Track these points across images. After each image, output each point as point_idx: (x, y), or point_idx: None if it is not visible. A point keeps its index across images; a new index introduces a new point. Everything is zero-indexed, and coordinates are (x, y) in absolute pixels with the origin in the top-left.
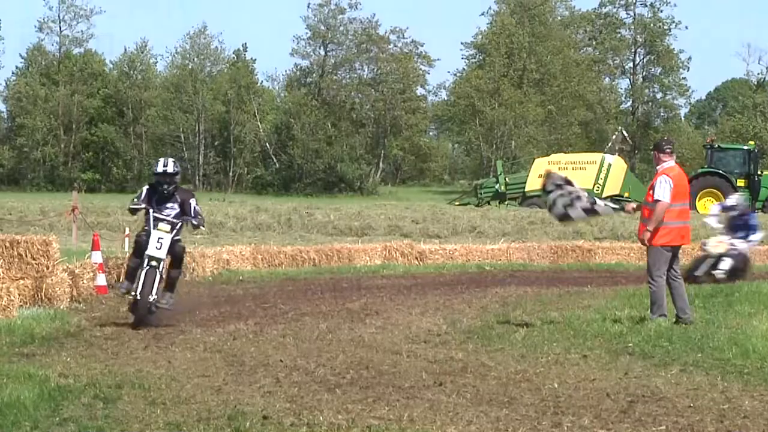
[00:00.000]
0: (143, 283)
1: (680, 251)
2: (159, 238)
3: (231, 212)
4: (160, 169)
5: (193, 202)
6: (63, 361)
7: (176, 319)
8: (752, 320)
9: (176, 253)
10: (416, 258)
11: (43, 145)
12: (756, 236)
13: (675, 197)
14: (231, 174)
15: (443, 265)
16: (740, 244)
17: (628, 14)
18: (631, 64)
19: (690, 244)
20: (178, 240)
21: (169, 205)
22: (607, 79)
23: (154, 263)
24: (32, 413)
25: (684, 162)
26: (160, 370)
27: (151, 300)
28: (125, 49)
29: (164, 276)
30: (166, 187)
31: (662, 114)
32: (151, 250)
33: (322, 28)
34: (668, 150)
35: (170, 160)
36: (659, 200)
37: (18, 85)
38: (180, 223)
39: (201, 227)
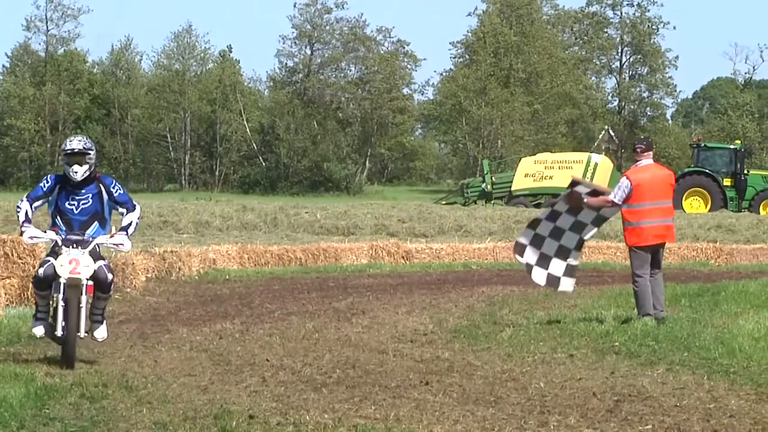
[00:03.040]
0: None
1: (663, 250)
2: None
3: (217, 211)
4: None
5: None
6: (49, 361)
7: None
8: (738, 319)
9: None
10: (403, 257)
11: (29, 145)
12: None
13: (641, 197)
14: (217, 173)
15: (430, 265)
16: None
17: (615, 14)
18: (617, 64)
19: (673, 241)
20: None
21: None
22: (593, 77)
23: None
24: (18, 412)
25: (671, 161)
26: (146, 370)
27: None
28: (112, 47)
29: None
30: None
31: (649, 113)
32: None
33: (309, 27)
34: (638, 149)
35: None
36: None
37: (5, 84)
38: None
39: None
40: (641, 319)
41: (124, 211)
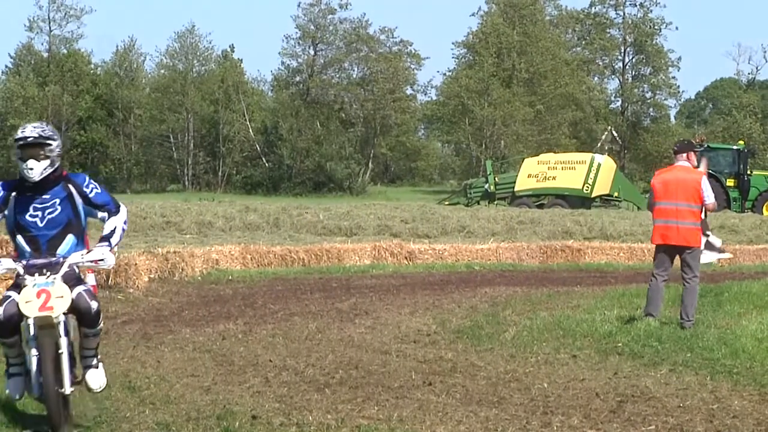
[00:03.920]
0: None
1: (693, 253)
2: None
3: (220, 212)
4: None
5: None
6: None
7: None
8: (742, 320)
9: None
10: (406, 258)
11: None
12: None
13: (657, 196)
14: (220, 174)
15: (433, 265)
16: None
17: (617, 14)
18: (620, 64)
19: (682, 244)
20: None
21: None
22: (596, 78)
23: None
24: (22, 412)
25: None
26: (149, 370)
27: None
28: (116, 47)
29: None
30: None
31: (652, 114)
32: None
33: (312, 27)
34: (672, 151)
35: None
36: None
37: (9, 84)
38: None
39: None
40: (644, 318)
41: (105, 215)
